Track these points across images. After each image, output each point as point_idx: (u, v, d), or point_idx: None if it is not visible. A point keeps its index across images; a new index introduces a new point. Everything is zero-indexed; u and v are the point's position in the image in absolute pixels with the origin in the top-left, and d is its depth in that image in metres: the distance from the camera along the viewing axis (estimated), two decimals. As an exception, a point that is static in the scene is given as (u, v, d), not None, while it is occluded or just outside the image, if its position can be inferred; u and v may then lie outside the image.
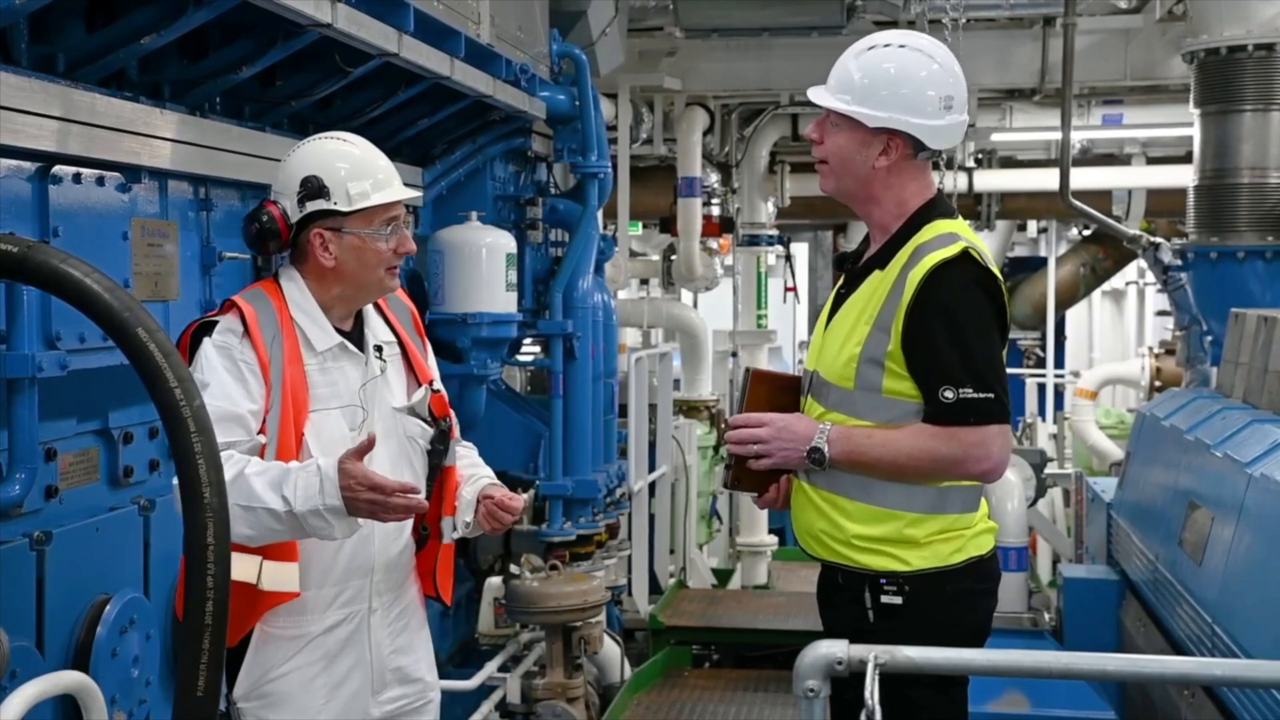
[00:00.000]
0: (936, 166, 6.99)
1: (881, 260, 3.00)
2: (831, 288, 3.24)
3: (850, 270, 3.11)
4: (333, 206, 2.96)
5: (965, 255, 2.89)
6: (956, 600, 2.97)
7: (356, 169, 3.00)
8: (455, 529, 3.16)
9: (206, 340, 2.91)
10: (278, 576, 2.91)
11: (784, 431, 2.98)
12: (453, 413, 3.25)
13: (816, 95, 3.02)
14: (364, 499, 2.78)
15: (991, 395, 2.87)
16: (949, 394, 2.86)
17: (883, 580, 2.95)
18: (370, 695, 3.08)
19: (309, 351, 2.99)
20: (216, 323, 2.93)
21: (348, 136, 3.10)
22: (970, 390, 2.86)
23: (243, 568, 2.87)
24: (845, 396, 2.97)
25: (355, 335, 3.08)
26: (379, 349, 3.11)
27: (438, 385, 3.19)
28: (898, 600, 2.94)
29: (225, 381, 2.88)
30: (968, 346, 2.87)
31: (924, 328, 2.87)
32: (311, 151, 3.03)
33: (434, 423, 3.11)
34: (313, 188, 2.95)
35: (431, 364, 3.26)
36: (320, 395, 2.97)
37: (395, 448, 3.06)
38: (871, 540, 2.96)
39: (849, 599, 2.99)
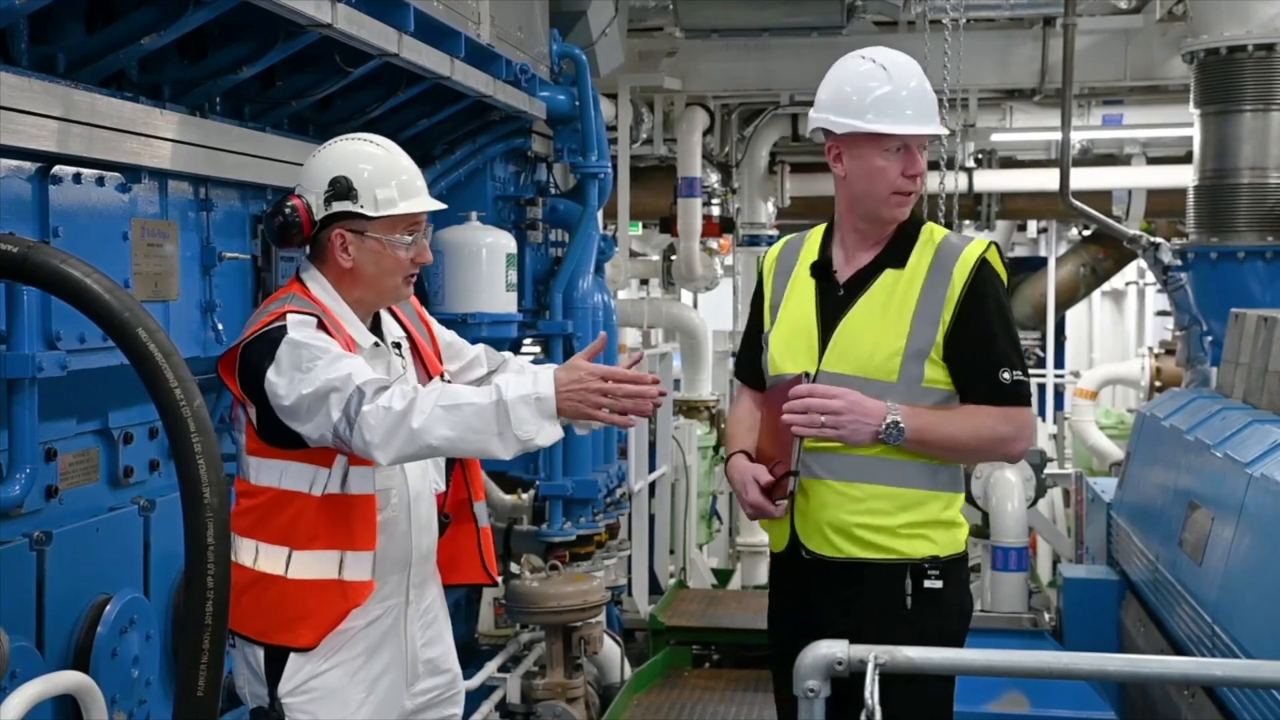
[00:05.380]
0: (936, 166, 7.09)
1: (894, 259, 3.05)
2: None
3: (847, 275, 3.13)
4: (358, 210, 2.98)
5: (994, 249, 3.07)
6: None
7: (385, 174, 3.02)
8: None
9: (288, 336, 2.83)
10: (360, 566, 2.95)
11: (857, 405, 2.97)
12: None
13: (933, 128, 3.05)
14: (594, 388, 2.83)
15: (1027, 380, 3.06)
16: (1007, 375, 2.99)
17: (926, 564, 3.00)
18: (404, 687, 3.12)
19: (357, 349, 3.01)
20: (275, 330, 2.86)
21: (381, 140, 3.11)
22: (1020, 374, 3.01)
23: (321, 566, 2.91)
24: (885, 390, 2.99)
25: (376, 334, 3.11)
26: (397, 345, 3.15)
27: (449, 376, 3.22)
28: (939, 584, 2.99)
29: (334, 346, 2.85)
30: (1013, 334, 3.05)
31: (979, 317, 2.99)
32: (342, 152, 3.04)
33: None
34: (340, 188, 2.97)
35: (450, 336, 3.34)
36: None
37: None
38: (916, 525, 3.01)
39: (880, 590, 3.00)
